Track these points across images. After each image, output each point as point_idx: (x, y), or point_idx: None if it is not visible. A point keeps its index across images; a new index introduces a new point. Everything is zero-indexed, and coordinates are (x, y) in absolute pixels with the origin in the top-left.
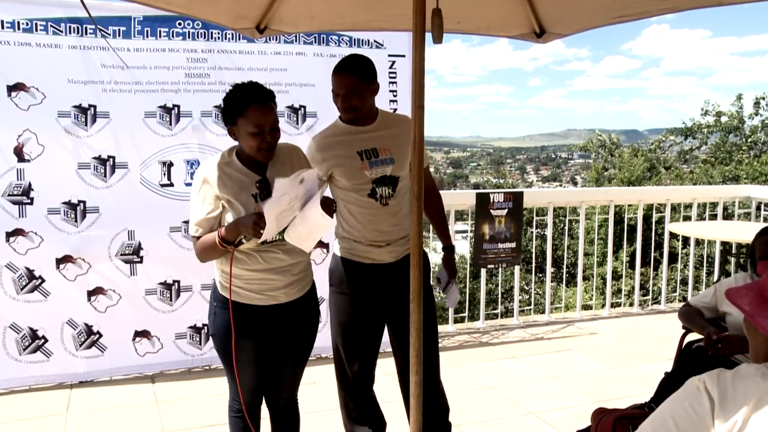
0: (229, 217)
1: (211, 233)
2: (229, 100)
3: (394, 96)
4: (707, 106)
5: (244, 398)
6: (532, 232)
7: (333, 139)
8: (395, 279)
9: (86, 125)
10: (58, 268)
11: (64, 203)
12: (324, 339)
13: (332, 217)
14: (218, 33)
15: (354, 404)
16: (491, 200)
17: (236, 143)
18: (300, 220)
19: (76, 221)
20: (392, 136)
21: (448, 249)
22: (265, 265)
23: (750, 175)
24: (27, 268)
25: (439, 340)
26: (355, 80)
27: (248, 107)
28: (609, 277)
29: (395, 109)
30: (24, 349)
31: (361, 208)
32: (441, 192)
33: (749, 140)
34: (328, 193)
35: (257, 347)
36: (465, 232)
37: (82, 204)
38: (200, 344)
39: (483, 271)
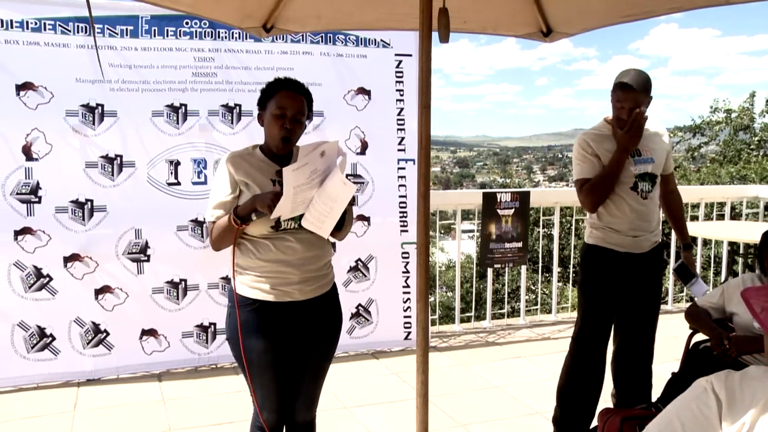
0: (245, 199)
1: (227, 216)
2: (266, 87)
3: (401, 95)
4: (717, 104)
5: (265, 408)
6: (538, 232)
7: (604, 136)
8: (644, 268)
9: (94, 124)
10: (65, 266)
11: (72, 202)
12: None
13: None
14: (225, 32)
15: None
16: (498, 200)
17: (256, 142)
18: (318, 197)
19: (83, 220)
20: (649, 140)
21: (687, 247)
22: (277, 254)
23: (759, 175)
24: (35, 267)
25: (445, 340)
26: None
27: (278, 91)
28: None
29: (401, 109)
30: (32, 347)
31: (623, 199)
32: (447, 191)
33: (759, 140)
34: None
35: (274, 349)
36: (471, 231)
37: (89, 203)
38: (207, 343)
39: (489, 270)
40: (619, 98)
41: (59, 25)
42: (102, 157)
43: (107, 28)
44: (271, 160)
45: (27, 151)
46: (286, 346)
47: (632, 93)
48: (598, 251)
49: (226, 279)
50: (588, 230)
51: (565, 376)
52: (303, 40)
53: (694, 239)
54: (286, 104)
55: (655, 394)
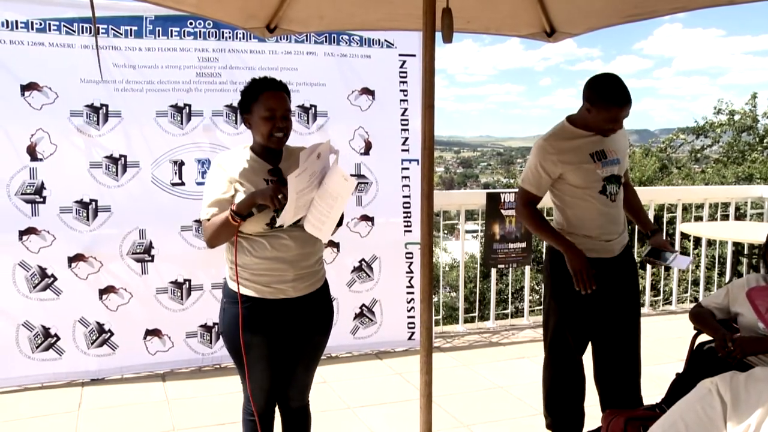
0: (240, 198)
1: (223, 212)
2: (245, 90)
3: (405, 96)
4: (720, 105)
5: (257, 398)
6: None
7: (568, 143)
8: (617, 272)
9: (98, 124)
10: (70, 266)
11: (76, 202)
12: (334, 338)
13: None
14: (229, 32)
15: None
16: (502, 200)
17: (247, 143)
18: (319, 197)
19: (88, 220)
20: (613, 140)
21: (655, 231)
22: (272, 252)
23: (763, 175)
24: (39, 267)
25: (449, 340)
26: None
27: (261, 93)
28: None
29: (405, 109)
30: (36, 347)
31: (593, 204)
32: (451, 192)
33: (764, 140)
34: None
35: (268, 344)
36: (475, 231)
37: (93, 203)
38: (211, 343)
39: (493, 270)
40: (615, 117)
41: (64, 26)
42: (106, 157)
43: (111, 29)
44: (262, 159)
45: (32, 152)
46: (280, 341)
47: (628, 107)
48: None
49: None
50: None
51: (547, 384)
52: (307, 41)
53: (698, 239)
54: (274, 105)
55: (659, 395)
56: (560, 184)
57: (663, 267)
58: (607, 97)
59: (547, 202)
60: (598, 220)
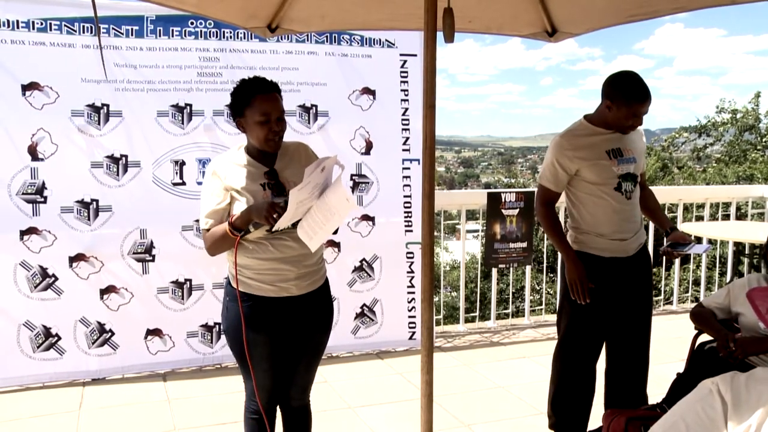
0: (238, 207)
1: (222, 224)
2: (236, 93)
3: (406, 95)
4: (723, 104)
5: (260, 396)
6: (543, 232)
7: (584, 140)
8: (631, 272)
9: (99, 124)
10: (71, 266)
11: (78, 202)
12: (335, 338)
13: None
14: (230, 32)
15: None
16: (503, 200)
17: (244, 143)
18: (317, 208)
19: (89, 220)
20: (631, 139)
21: (673, 229)
22: (276, 253)
23: (764, 175)
24: (40, 267)
25: (450, 340)
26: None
27: (254, 97)
28: None
29: (406, 109)
30: (38, 347)
31: (607, 201)
32: (452, 191)
33: (764, 139)
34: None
35: (271, 342)
36: (476, 231)
37: (95, 203)
38: (212, 343)
39: (494, 270)
40: (636, 112)
41: (65, 26)
42: (107, 157)
43: (112, 29)
44: (257, 161)
45: (33, 151)
46: (282, 339)
47: (648, 103)
48: (582, 257)
49: None
50: (572, 236)
51: (555, 385)
52: (308, 40)
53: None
54: (268, 108)
55: (660, 394)
56: (576, 181)
57: (672, 262)
58: (627, 93)
59: (559, 203)
60: (613, 218)
